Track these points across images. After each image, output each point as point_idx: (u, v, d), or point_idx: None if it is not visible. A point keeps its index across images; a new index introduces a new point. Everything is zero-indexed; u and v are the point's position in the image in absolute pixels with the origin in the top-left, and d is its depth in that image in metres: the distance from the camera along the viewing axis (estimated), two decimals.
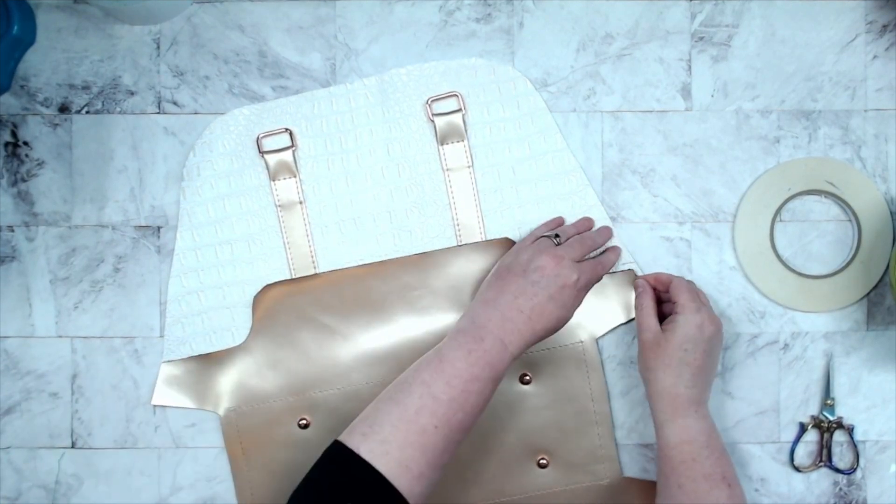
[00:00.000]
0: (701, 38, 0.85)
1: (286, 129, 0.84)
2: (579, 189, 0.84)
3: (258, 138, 0.84)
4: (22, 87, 0.85)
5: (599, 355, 0.84)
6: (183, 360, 0.84)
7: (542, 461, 0.83)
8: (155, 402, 0.84)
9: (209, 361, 0.83)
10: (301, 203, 0.84)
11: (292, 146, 0.84)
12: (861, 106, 0.84)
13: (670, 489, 0.75)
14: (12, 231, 0.85)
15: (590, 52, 0.85)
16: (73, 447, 0.84)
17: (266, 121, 0.84)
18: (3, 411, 0.84)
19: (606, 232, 0.83)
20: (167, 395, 0.84)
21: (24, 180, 0.85)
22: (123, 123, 0.85)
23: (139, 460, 0.84)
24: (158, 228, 0.85)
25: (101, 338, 0.85)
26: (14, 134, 0.85)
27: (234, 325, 0.84)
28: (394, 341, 0.83)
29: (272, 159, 0.84)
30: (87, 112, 0.85)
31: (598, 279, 0.79)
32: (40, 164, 0.85)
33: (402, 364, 0.82)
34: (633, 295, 0.83)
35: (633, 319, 0.83)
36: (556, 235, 0.78)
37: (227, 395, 0.83)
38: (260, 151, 0.84)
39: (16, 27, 0.82)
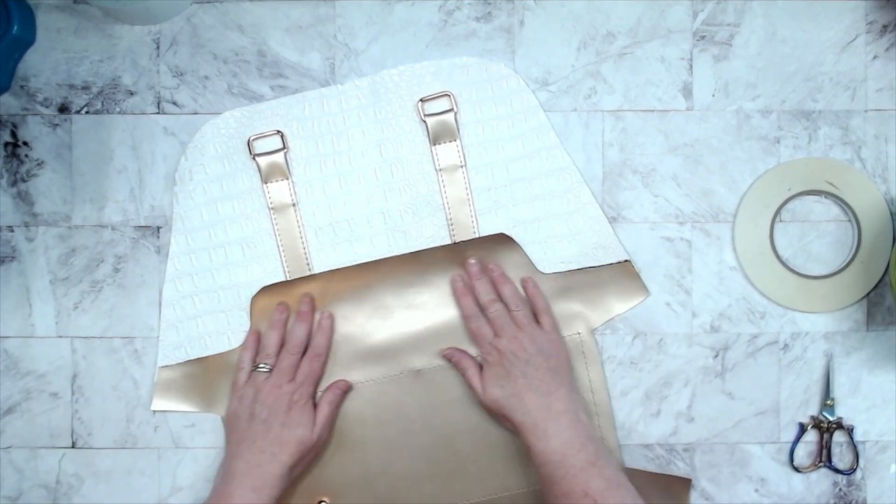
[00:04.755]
0: (702, 38, 0.85)
1: (277, 132, 0.84)
2: (573, 186, 0.84)
3: (249, 141, 0.84)
4: (22, 87, 0.85)
5: (597, 347, 0.84)
6: (180, 364, 0.84)
7: None
8: (154, 407, 0.84)
9: (208, 365, 0.83)
10: (294, 205, 0.84)
11: (284, 148, 0.84)
12: (861, 106, 0.84)
13: None
14: (12, 231, 0.85)
15: (591, 50, 0.85)
16: (73, 447, 0.84)
17: (257, 123, 0.84)
18: (3, 411, 0.85)
19: (305, 315, 0.83)
20: (167, 400, 0.84)
21: (23, 180, 0.85)
22: (123, 124, 0.85)
23: (139, 460, 0.84)
24: (158, 228, 0.84)
25: (100, 338, 0.85)
26: (14, 134, 0.85)
27: (229, 329, 0.84)
28: (393, 338, 0.83)
29: (264, 162, 0.84)
30: (87, 112, 0.85)
31: (321, 371, 0.82)
32: (40, 164, 0.85)
33: (401, 361, 0.82)
34: (630, 286, 0.84)
35: (629, 310, 0.84)
36: (264, 365, 0.80)
37: (229, 398, 0.83)
38: (251, 154, 0.84)
39: (16, 27, 0.82)
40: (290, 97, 0.84)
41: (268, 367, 0.80)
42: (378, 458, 0.83)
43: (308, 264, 0.84)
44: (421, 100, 0.84)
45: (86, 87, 0.85)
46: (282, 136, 0.84)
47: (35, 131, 0.85)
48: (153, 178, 0.85)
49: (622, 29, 0.85)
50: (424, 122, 0.84)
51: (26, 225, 0.85)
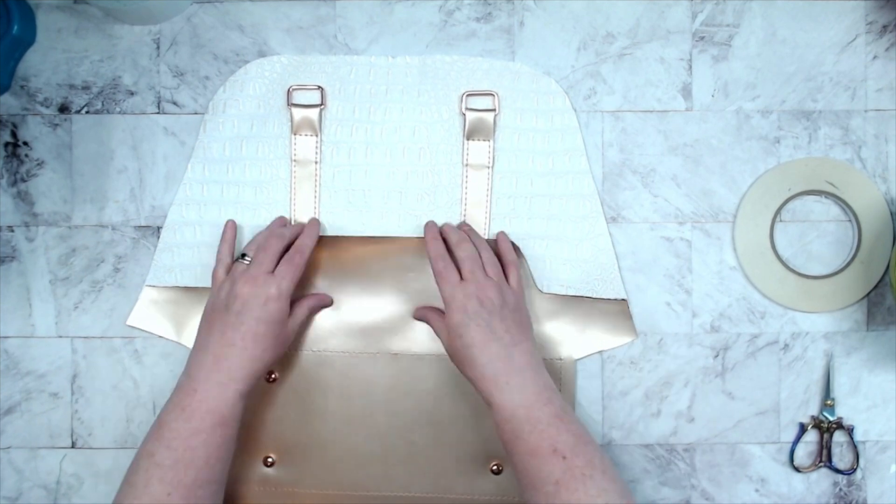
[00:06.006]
0: (702, 38, 0.85)
1: (319, 87, 0.84)
2: (591, 215, 0.84)
3: (290, 89, 0.84)
4: (22, 87, 0.85)
5: (575, 376, 0.84)
6: (168, 287, 0.84)
7: (494, 467, 0.83)
8: (130, 322, 0.84)
9: (194, 295, 0.84)
10: (316, 163, 0.84)
11: (321, 105, 0.84)
12: (861, 106, 0.84)
13: (511, 466, 0.73)
14: (12, 231, 0.85)
15: (590, 51, 0.85)
16: (73, 447, 0.84)
17: (302, 73, 0.84)
18: (3, 411, 0.84)
19: (298, 227, 0.82)
20: (144, 318, 0.84)
21: (24, 180, 0.85)
22: (123, 123, 0.85)
23: None
24: (158, 228, 0.84)
25: (101, 338, 0.85)
26: (14, 134, 0.85)
27: None
28: (378, 317, 0.83)
29: (298, 113, 0.84)
30: (87, 112, 0.85)
31: (301, 269, 0.78)
32: (40, 164, 0.85)
33: (381, 341, 0.83)
34: (620, 326, 0.83)
35: (614, 349, 0.84)
36: (243, 255, 0.77)
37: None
38: (288, 103, 0.84)
39: (16, 27, 0.82)
40: (339, 57, 0.84)
41: (249, 259, 0.77)
42: (334, 430, 0.83)
43: None
44: (465, 93, 0.84)
45: (86, 87, 0.85)
46: (322, 93, 0.84)
47: (35, 131, 0.85)
48: (153, 178, 0.85)
49: (622, 30, 0.85)
50: (464, 115, 0.84)
51: (26, 225, 0.85)
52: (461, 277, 0.76)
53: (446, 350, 0.77)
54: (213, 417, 0.72)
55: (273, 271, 0.76)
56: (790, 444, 0.84)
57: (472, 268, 0.76)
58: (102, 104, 0.85)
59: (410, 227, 0.84)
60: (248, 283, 0.75)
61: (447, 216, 0.84)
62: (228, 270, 0.78)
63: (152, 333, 0.84)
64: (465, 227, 0.82)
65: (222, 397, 0.72)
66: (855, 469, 0.84)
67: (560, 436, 0.69)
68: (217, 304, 0.75)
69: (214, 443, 0.72)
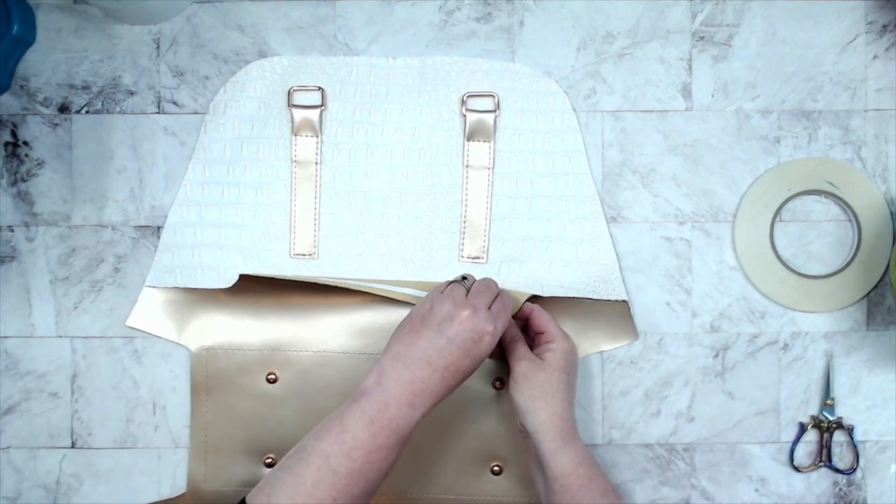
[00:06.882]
0: (702, 38, 0.85)
1: (319, 88, 0.84)
2: (591, 216, 0.84)
3: (290, 90, 0.84)
4: (22, 87, 0.85)
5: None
6: (168, 288, 0.84)
7: (495, 468, 0.83)
8: (130, 323, 0.84)
9: (194, 296, 0.84)
10: (317, 164, 0.84)
11: (322, 106, 0.84)
12: (861, 106, 0.84)
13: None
14: (12, 231, 0.85)
15: (590, 51, 0.85)
16: (73, 447, 0.84)
17: (302, 74, 0.84)
18: (3, 411, 0.84)
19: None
20: (144, 319, 0.84)
21: (24, 180, 0.85)
22: (123, 123, 0.85)
23: (139, 460, 0.84)
24: (158, 228, 0.84)
25: (101, 338, 0.85)
26: (14, 134, 0.85)
27: (222, 266, 0.84)
28: (380, 315, 0.84)
29: (299, 114, 0.84)
30: (87, 112, 0.85)
31: (508, 319, 0.75)
32: (40, 164, 0.85)
33: (380, 341, 0.83)
34: (621, 327, 0.83)
35: (614, 349, 0.84)
36: (464, 278, 0.74)
37: (204, 334, 0.84)
38: (289, 104, 0.84)
39: (16, 27, 0.82)
40: (340, 58, 0.84)
41: (468, 283, 0.73)
42: None
43: (315, 223, 0.84)
44: (466, 95, 0.84)
45: (86, 87, 0.85)
46: (322, 94, 0.84)
47: (35, 131, 0.85)
48: (153, 178, 0.85)
49: (621, 29, 0.85)
50: (464, 116, 0.84)
51: (26, 225, 0.85)
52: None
53: (527, 374, 0.74)
54: (398, 436, 0.69)
55: (489, 306, 0.72)
56: (790, 444, 0.84)
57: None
58: (102, 104, 0.85)
59: (410, 229, 0.84)
60: (469, 311, 0.70)
61: (446, 217, 0.84)
62: (446, 286, 0.74)
63: (152, 334, 0.84)
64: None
65: (410, 418, 0.69)
66: (855, 469, 0.84)
67: (589, 493, 0.72)
68: (429, 318, 0.71)
69: (390, 459, 0.69)
